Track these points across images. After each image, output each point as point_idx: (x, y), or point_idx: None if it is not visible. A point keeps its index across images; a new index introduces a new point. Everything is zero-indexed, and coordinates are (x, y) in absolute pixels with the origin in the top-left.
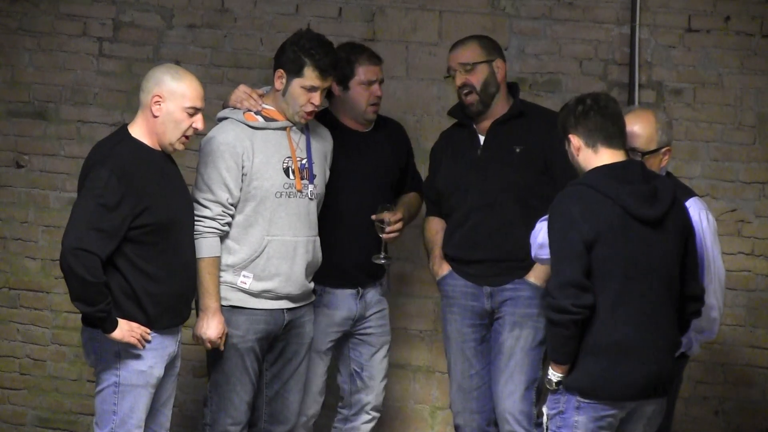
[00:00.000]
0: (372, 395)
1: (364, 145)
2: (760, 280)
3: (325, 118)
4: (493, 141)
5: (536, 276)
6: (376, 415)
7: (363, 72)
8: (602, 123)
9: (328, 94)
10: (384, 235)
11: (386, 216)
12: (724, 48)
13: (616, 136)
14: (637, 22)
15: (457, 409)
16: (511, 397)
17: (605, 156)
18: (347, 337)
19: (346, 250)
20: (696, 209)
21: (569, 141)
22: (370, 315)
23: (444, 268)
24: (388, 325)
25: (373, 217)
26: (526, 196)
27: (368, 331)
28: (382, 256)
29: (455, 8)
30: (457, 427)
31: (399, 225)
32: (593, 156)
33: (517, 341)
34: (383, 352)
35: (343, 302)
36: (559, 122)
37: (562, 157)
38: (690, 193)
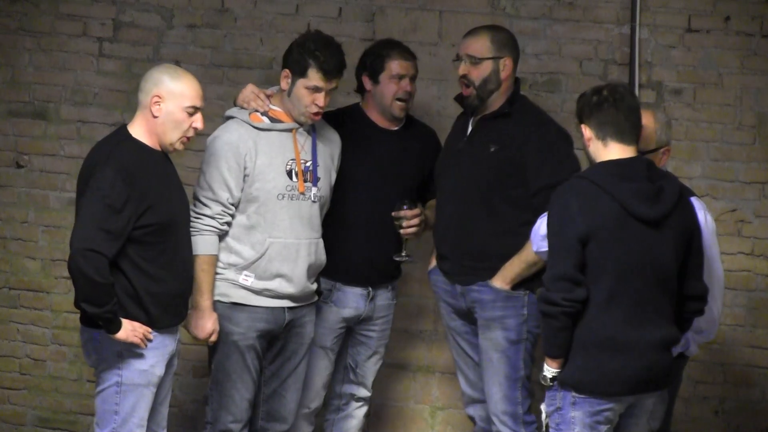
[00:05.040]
0: (363, 389)
1: (387, 143)
2: (760, 280)
3: (353, 114)
4: (476, 136)
5: (501, 279)
6: (366, 402)
7: (393, 66)
8: (614, 117)
9: (360, 89)
10: (402, 231)
11: (404, 212)
12: (724, 48)
13: (628, 131)
14: (637, 22)
15: (466, 401)
16: (493, 398)
17: (614, 151)
18: (348, 332)
19: (361, 246)
20: (695, 210)
21: (581, 130)
22: (377, 319)
23: (432, 262)
24: (390, 330)
25: (393, 213)
26: (491, 196)
27: (370, 333)
28: (403, 254)
29: (455, 8)
30: (470, 418)
31: (416, 221)
32: (602, 149)
33: (490, 343)
34: (379, 354)
35: (352, 300)
36: (576, 110)
37: (537, 160)
38: (689, 194)
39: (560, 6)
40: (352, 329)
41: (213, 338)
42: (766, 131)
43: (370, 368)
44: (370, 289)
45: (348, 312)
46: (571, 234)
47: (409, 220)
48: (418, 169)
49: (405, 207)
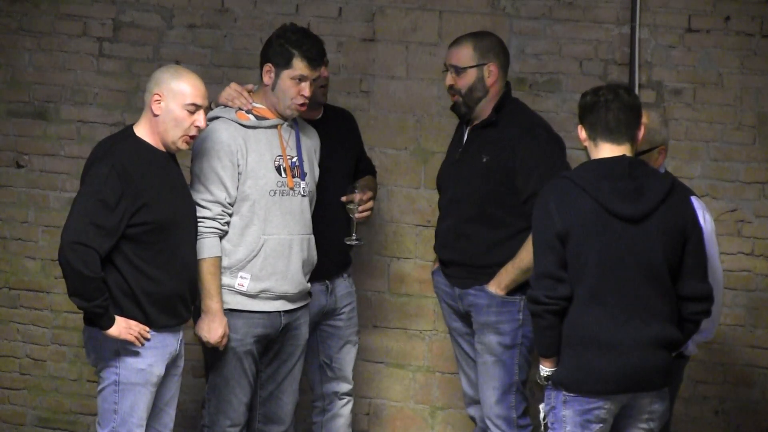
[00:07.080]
0: (343, 383)
1: (320, 137)
2: (760, 280)
3: None
4: (470, 146)
5: (497, 284)
6: (350, 397)
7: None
8: (603, 117)
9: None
10: (356, 216)
11: (356, 196)
12: (724, 48)
13: (618, 130)
14: (637, 22)
15: (467, 401)
16: (487, 402)
17: (605, 150)
18: (315, 328)
19: (316, 241)
20: (692, 209)
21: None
22: (342, 308)
23: (435, 264)
24: (356, 317)
25: (344, 198)
26: (486, 205)
27: (338, 324)
28: (354, 237)
29: (455, 8)
30: (471, 418)
31: (370, 204)
32: (594, 149)
33: (485, 348)
34: (352, 343)
35: (314, 298)
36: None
37: (525, 167)
38: (689, 194)
39: (560, 6)
40: (318, 326)
41: (224, 342)
42: (766, 131)
43: (345, 358)
44: (328, 282)
45: (312, 311)
46: (549, 232)
47: (364, 203)
48: (349, 154)
49: (356, 191)
